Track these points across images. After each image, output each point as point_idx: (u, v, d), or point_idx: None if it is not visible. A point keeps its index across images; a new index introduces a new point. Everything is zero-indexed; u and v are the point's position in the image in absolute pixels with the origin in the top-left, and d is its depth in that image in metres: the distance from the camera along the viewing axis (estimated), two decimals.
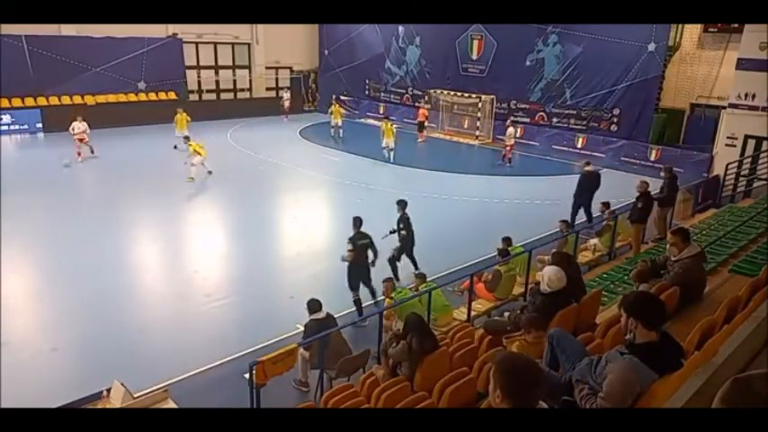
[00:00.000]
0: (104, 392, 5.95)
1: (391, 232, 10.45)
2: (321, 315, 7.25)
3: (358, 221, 9.28)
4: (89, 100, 24.62)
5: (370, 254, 9.30)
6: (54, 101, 23.89)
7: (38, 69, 23.19)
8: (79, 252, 11.47)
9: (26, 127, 23.15)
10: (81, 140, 19.16)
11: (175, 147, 20.20)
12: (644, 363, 3.32)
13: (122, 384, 5.92)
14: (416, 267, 10.44)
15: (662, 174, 12.28)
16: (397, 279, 9.82)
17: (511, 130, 20.20)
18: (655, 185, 12.10)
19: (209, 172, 17.25)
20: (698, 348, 3.83)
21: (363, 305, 9.21)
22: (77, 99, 24.39)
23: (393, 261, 10.33)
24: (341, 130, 23.75)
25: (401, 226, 10.38)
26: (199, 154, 16.92)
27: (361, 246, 9.09)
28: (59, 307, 9.43)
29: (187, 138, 18.34)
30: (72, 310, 9.24)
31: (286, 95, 29.08)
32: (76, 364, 7.82)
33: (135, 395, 6.00)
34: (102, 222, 13.18)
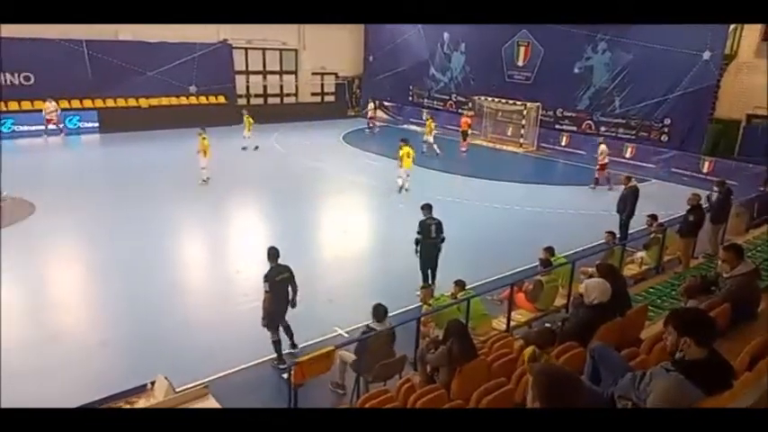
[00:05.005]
0: (149, 385, 6.14)
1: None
2: (381, 327, 7.03)
3: (274, 253, 8.01)
4: (143, 102, 25.55)
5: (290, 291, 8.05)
6: (110, 103, 24.89)
7: (96, 72, 24.17)
8: (127, 250, 11.83)
9: (89, 126, 24.12)
10: (49, 120, 22.36)
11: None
12: (691, 381, 3.20)
13: (166, 378, 6.09)
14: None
15: (715, 187, 11.83)
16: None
17: None
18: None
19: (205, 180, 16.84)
20: (749, 368, 3.68)
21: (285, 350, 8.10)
22: (132, 101, 25.39)
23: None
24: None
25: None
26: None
27: (280, 282, 7.87)
28: (110, 303, 9.75)
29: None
30: (121, 306, 9.56)
31: (371, 106, 28.67)
32: (123, 359, 8.06)
33: (177, 390, 6.16)
34: (153, 221, 13.60)
